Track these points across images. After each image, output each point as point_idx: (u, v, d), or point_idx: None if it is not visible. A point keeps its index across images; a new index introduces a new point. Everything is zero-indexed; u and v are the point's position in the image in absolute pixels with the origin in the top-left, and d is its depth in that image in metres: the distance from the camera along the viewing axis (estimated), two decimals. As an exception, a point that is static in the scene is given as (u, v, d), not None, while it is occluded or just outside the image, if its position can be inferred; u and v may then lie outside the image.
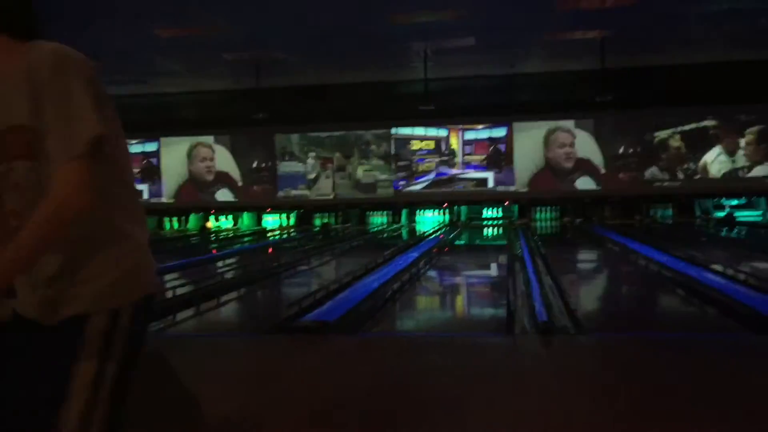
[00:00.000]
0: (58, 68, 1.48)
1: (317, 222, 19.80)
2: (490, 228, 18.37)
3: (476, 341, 4.82)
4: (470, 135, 18.96)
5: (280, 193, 19.65)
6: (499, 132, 18.81)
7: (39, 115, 1.46)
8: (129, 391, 1.60)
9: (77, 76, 1.50)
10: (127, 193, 1.67)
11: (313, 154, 19.58)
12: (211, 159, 19.90)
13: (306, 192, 19.60)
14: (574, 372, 3.82)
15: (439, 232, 16.05)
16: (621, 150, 18.21)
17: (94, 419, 1.52)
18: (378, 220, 19.79)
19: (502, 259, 10.47)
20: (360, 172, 19.39)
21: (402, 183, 19.33)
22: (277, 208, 20.11)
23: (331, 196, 19.47)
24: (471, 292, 8.49)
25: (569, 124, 18.41)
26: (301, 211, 19.98)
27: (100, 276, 1.54)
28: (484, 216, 19.56)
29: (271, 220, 20.37)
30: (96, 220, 1.52)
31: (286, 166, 19.70)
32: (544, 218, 18.89)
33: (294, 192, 19.65)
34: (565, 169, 18.48)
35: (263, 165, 19.77)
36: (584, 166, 18.41)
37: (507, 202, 19.08)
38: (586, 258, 12.29)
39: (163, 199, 20.08)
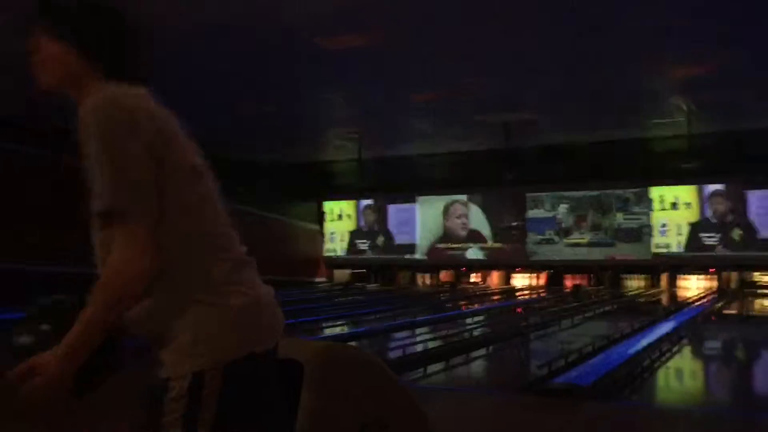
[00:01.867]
0: (88, 126, 1.39)
1: (568, 283, 19.22)
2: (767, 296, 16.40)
3: (751, 419, 4.29)
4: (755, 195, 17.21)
5: (528, 241, 19.46)
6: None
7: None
8: None
9: (100, 135, 1.38)
10: (199, 253, 1.49)
11: (565, 205, 19.21)
12: (466, 216, 20.41)
13: (554, 237, 19.21)
14: None
15: (704, 299, 14.70)
16: None
17: None
18: (635, 283, 18.68)
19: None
20: (620, 217, 18.56)
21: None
22: (527, 268, 19.93)
23: (585, 240, 18.83)
24: (741, 366, 7.62)
25: None
26: (552, 271, 19.57)
27: (176, 341, 1.45)
28: (759, 284, 17.53)
29: (520, 279, 20.21)
30: (161, 288, 1.44)
31: (535, 213, 19.55)
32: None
33: (540, 237, 19.36)
34: None
35: (514, 224, 19.80)
36: None
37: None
38: None
39: (417, 256, 20.91)
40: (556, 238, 19.22)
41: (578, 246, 18.93)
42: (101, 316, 1.39)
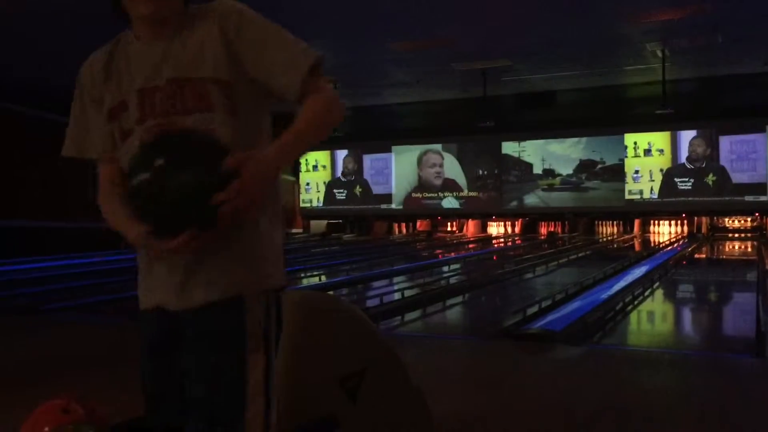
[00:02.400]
0: (246, 16, 1.45)
1: (543, 231, 19.45)
2: (737, 241, 16.75)
3: (718, 361, 4.43)
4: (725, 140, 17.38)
5: (503, 189, 19.58)
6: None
7: (237, 65, 1.42)
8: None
9: (262, 18, 1.47)
10: None
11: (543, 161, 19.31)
12: (440, 165, 20.40)
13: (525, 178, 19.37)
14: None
15: (675, 244, 14.98)
16: None
17: (271, 421, 1.39)
18: (608, 229, 18.97)
19: (751, 275, 9.50)
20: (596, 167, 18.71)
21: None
22: (503, 216, 20.09)
23: (557, 182, 18.97)
24: (711, 308, 7.82)
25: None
26: (527, 219, 19.76)
27: (250, 257, 1.42)
28: (729, 228, 17.88)
29: (496, 227, 20.39)
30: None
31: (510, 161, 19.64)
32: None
33: (514, 179, 19.50)
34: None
35: (489, 172, 19.85)
36: None
37: (756, 214, 17.27)
38: None
39: (393, 206, 20.96)
40: (530, 183, 19.32)
41: (552, 189, 19.00)
42: (312, 132, 1.41)
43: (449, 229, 20.94)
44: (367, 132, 20.13)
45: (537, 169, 19.27)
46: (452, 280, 8.93)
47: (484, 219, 20.43)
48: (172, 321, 1.41)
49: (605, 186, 18.53)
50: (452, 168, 20.27)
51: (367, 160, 21.30)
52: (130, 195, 1.30)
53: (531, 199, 19.32)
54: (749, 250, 14.63)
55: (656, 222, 18.51)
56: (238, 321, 1.38)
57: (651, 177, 18.08)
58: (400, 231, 21.35)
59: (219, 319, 1.38)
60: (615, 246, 15.76)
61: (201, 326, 1.39)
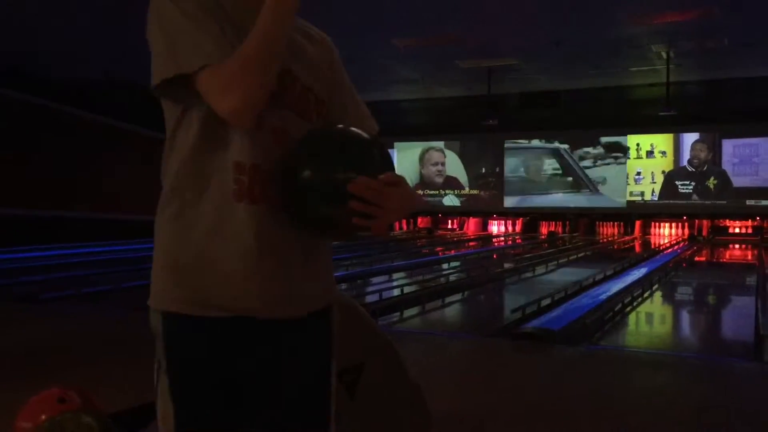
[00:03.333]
0: (339, 60, 1.55)
1: (544, 230, 19.44)
2: (737, 245, 16.74)
3: (716, 364, 4.42)
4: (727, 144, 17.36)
5: (506, 187, 19.58)
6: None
7: (331, 94, 1.49)
8: None
9: None
10: None
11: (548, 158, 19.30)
12: (442, 163, 20.39)
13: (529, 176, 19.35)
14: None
15: (675, 247, 14.96)
16: None
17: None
18: (608, 230, 18.96)
19: (750, 279, 9.50)
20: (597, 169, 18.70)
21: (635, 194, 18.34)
22: (503, 215, 20.09)
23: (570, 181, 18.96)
24: (710, 312, 7.81)
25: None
26: (528, 218, 19.75)
27: (331, 267, 1.47)
28: (730, 231, 17.87)
29: (496, 226, 20.38)
30: None
31: (512, 162, 19.60)
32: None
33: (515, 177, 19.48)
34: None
35: (491, 171, 19.84)
36: None
37: (758, 218, 17.26)
38: None
39: (394, 202, 20.92)
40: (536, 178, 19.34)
41: (556, 191, 19.01)
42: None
43: (450, 226, 20.93)
44: (370, 128, 20.08)
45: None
46: (452, 278, 8.93)
47: (485, 217, 20.43)
48: (250, 328, 1.28)
49: (607, 187, 18.54)
50: (454, 165, 20.26)
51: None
52: (295, 191, 1.23)
53: (532, 199, 19.31)
54: (749, 254, 14.62)
55: (657, 224, 18.50)
56: (330, 330, 1.43)
57: (653, 179, 18.08)
58: (400, 227, 21.33)
59: (317, 328, 1.41)
60: (615, 247, 15.76)
61: (302, 336, 1.36)
